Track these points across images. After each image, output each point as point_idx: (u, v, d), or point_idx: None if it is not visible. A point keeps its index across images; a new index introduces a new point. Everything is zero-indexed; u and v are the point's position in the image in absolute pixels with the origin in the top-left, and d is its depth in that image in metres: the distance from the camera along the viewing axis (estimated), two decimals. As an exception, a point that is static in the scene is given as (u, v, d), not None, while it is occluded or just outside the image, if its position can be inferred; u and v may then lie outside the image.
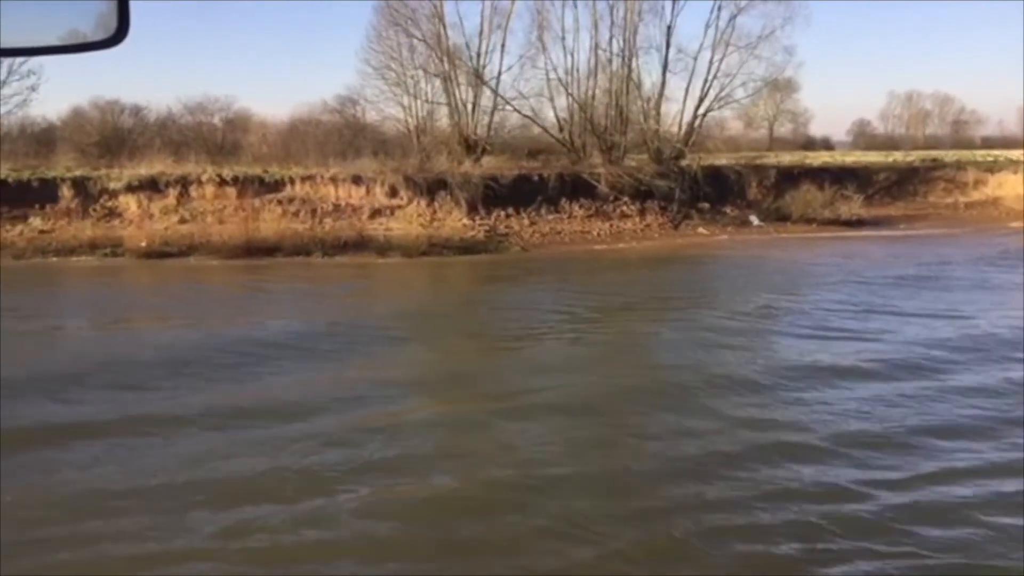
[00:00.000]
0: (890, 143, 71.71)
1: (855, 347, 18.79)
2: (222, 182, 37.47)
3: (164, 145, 41.66)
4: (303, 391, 15.83)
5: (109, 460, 12.36)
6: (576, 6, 45.55)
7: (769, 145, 65.99)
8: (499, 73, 44.58)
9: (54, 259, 33.14)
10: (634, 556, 9.77)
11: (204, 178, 37.41)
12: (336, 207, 38.20)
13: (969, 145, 67.38)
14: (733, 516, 10.59)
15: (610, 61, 45.65)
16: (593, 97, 45.78)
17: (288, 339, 20.12)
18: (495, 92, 44.22)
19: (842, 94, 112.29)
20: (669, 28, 45.23)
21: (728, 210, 44.60)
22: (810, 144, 71.84)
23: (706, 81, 45.10)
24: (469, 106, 44.32)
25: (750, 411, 14.62)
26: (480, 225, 38.66)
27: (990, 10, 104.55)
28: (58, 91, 77.28)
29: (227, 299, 26.78)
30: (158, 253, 33.59)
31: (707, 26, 45.23)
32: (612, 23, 45.13)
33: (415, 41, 43.57)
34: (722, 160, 46.75)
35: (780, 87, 48.32)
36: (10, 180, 35.71)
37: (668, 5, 45.26)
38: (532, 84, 45.44)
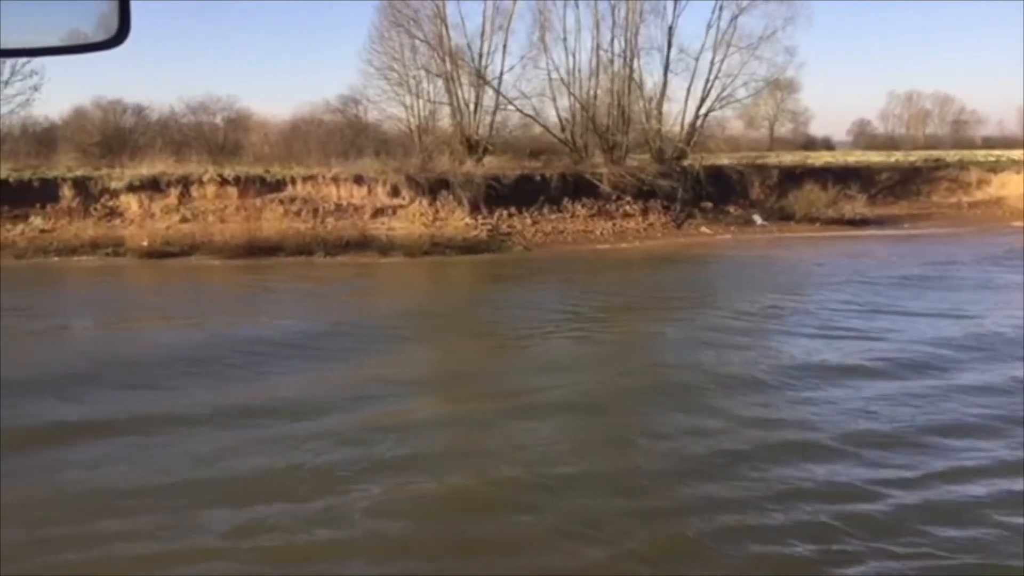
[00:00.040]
0: (891, 143, 71.64)
1: (862, 346, 18.76)
2: (223, 182, 37.39)
3: (166, 145, 41.56)
4: (312, 390, 15.81)
5: (120, 459, 12.34)
6: (578, 6, 45.65)
7: (770, 145, 65.91)
8: (501, 73, 44.63)
9: (55, 259, 33.08)
10: (648, 556, 9.73)
11: (206, 178, 37.33)
12: (338, 207, 38.12)
13: (970, 145, 67.30)
14: (745, 516, 10.55)
15: (612, 61, 45.65)
16: (595, 97, 45.71)
17: (295, 339, 20.07)
18: (497, 92, 44.22)
19: (842, 94, 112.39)
20: (671, 28, 45.28)
21: (731, 210, 44.53)
22: (810, 144, 71.73)
23: (708, 81, 45.14)
24: (471, 106, 44.26)
25: (758, 410, 14.60)
26: (482, 225, 38.60)
27: (990, 10, 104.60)
28: (60, 91, 77.11)
29: (231, 299, 26.75)
30: (160, 253, 33.52)
31: (709, 26, 45.24)
32: (614, 23, 45.10)
33: (417, 42, 43.52)
34: (724, 160, 46.70)
35: (781, 87, 48.17)
36: (11, 180, 35.63)
37: (670, 5, 45.25)
38: (534, 84, 45.51)
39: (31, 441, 12.88)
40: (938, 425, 13.70)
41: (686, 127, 45.44)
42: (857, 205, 44.92)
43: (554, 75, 45.01)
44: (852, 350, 18.43)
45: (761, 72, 45.89)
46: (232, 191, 37.25)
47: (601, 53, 45.38)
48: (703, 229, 42.52)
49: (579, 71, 45.41)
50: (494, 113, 44.67)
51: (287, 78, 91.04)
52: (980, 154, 55.35)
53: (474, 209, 38.94)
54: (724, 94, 45.61)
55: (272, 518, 10.42)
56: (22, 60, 36.49)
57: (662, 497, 11.20)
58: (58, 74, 53.99)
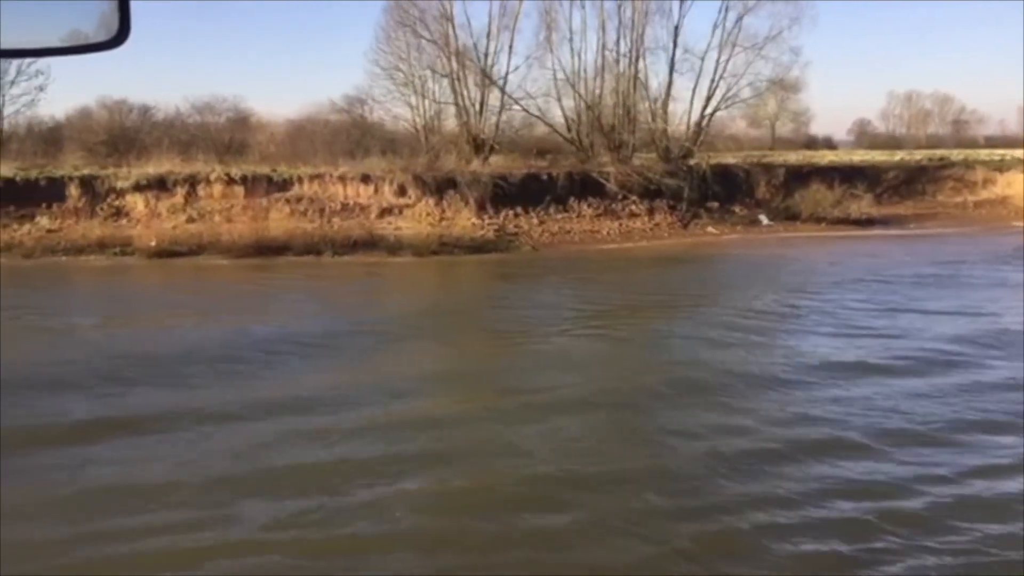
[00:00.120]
0: (893, 142, 71.60)
1: (885, 344, 18.78)
2: (230, 181, 37.35)
3: (172, 145, 41.43)
4: (336, 387, 15.78)
5: (152, 455, 12.32)
6: (584, 6, 45.59)
7: (771, 144, 65.84)
8: (506, 73, 44.62)
9: (63, 258, 32.98)
10: (693, 553, 9.67)
11: (212, 177, 37.27)
12: (344, 206, 38.08)
13: (972, 144, 67.28)
14: (784, 513, 10.52)
15: (617, 61, 45.64)
16: (600, 97, 45.66)
17: (313, 337, 20.08)
18: (503, 92, 44.13)
19: (842, 94, 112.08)
20: (676, 28, 45.27)
21: (737, 209, 44.51)
22: (812, 143, 71.65)
23: (713, 81, 45.13)
24: (477, 106, 44.19)
25: (787, 408, 14.59)
26: (489, 224, 38.56)
27: (989, 10, 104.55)
28: (63, 91, 77.19)
29: (244, 297, 26.67)
30: (167, 252, 33.42)
31: (715, 26, 45.24)
32: (620, 23, 45.18)
33: (423, 41, 43.50)
34: (730, 159, 46.63)
35: (786, 87, 48.05)
36: (18, 179, 35.57)
37: (675, 5, 45.27)
38: (539, 84, 45.49)
39: (61, 439, 12.86)
40: (968, 422, 13.69)
41: (692, 127, 45.43)
42: (863, 205, 44.91)
43: (560, 75, 45.10)
44: (875, 348, 18.42)
45: (766, 72, 45.95)
46: (239, 190, 37.20)
47: (607, 53, 45.50)
48: (709, 229, 42.49)
49: (585, 71, 45.53)
50: (500, 113, 44.69)
51: (287, 78, 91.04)
52: (983, 153, 55.36)
53: (481, 209, 38.92)
54: (729, 94, 45.68)
55: (311, 511, 10.41)
56: (27, 60, 36.50)
57: (699, 494, 11.16)
58: (63, 74, 53.82)
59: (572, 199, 41.61)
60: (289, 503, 10.64)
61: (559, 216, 40.95)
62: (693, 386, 15.93)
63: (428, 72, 44.08)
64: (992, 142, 68.72)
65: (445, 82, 44.25)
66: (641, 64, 45.45)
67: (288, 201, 37.43)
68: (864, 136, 79.53)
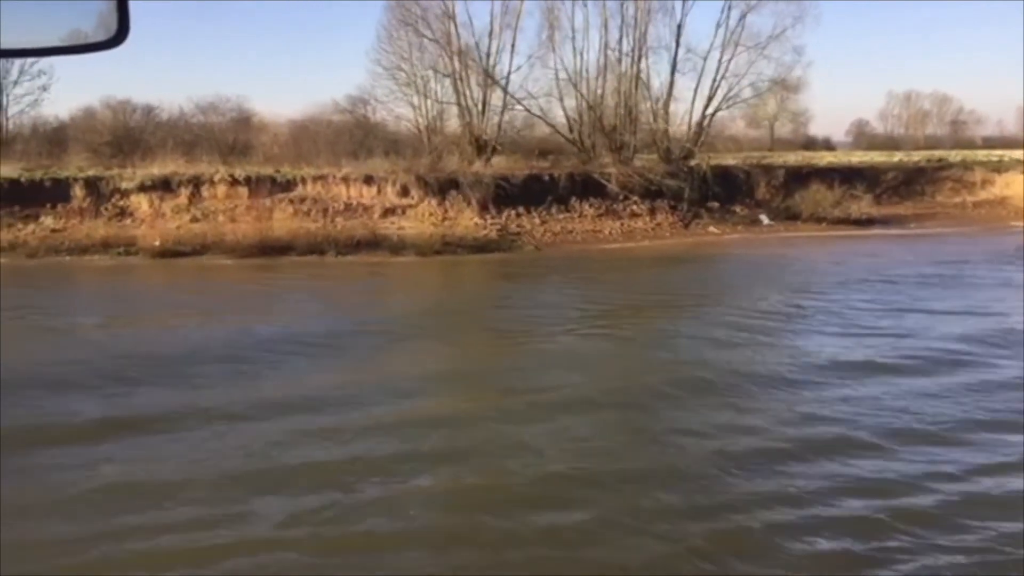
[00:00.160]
0: (891, 143, 71.74)
1: (892, 344, 18.84)
2: (234, 182, 37.45)
3: (176, 145, 41.50)
4: (343, 386, 15.83)
5: (164, 454, 12.37)
6: (586, 5, 45.82)
7: (770, 145, 65.94)
8: (508, 73, 44.71)
9: (67, 258, 33.03)
10: (705, 551, 9.68)
11: (216, 178, 37.37)
12: (348, 206, 38.18)
13: (970, 145, 67.41)
14: (795, 511, 10.55)
15: (620, 60, 45.71)
16: (602, 97, 45.71)
17: (318, 336, 20.13)
18: (505, 91, 44.18)
19: (840, 94, 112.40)
20: (679, 27, 45.31)
21: (738, 209, 44.61)
22: (811, 144, 71.80)
23: (715, 81, 45.20)
24: (479, 106, 44.23)
25: (796, 407, 14.64)
26: (492, 224, 38.66)
27: (989, 10, 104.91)
28: (67, 91, 77.21)
29: (249, 297, 26.71)
30: (172, 252, 33.47)
31: (718, 25, 45.33)
32: (622, 22, 45.25)
33: (425, 41, 43.57)
34: (730, 160, 46.72)
35: (789, 87, 48.09)
36: (23, 180, 35.64)
37: (678, 4, 45.54)
38: (541, 84, 45.58)
39: (70, 438, 12.92)
40: (976, 420, 13.74)
41: (693, 127, 45.48)
42: (863, 205, 45.04)
43: (562, 74, 45.16)
44: (883, 348, 18.48)
45: (769, 72, 46.03)
46: (243, 191, 37.30)
47: (609, 52, 45.53)
48: (711, 229, 42.59)
49: (587, 70, 45.58)
50: (502, 113, 44.73)
51: (288, 79, 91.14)
52: (981, 154, 55.54)
53: (483, 209, 39.02)
54: (731, 94, 45.76)
55: (326, 509, 10.47)
56: (30, 60, 36.60)
57: (710, 493, 11.18)
58: (66, 73, 53.89)
59: (574, 199, 41.72)
60: (303, 501, 10.69)
61: (561, 216, 41.06)
62: (700, 386, 15.94)
63: (430, 72, 44.24)
64: (990, 143, 68.89)
65: (447, 82, 44.36)
66: (643, 63, 45.62)
67: (292, 201, 37.53)
68: (862, 137, 79.70)
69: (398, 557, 9.53)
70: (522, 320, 22.59)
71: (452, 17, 43.29)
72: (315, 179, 38.35)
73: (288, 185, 38.11)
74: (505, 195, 39.54)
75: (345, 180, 38.60)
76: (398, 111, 45.71)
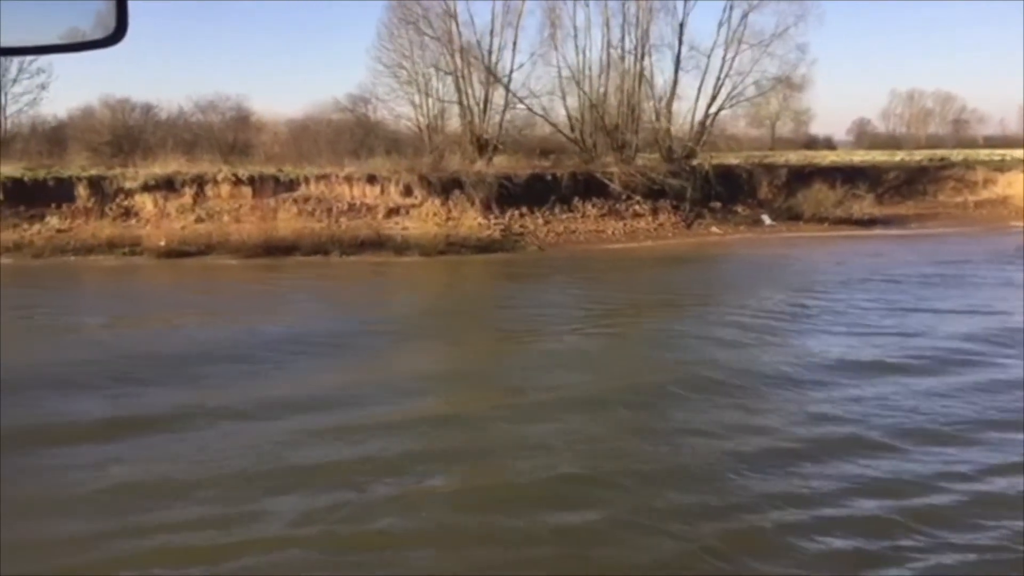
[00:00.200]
0: (893, 142, 71.72)
1: (899, 343, 18.88)
2: (238, 181, 37.44)
3: (176, 144, 41.48)
4: (353, 385, 15.88)
5: (177, 453, 12.40)
6: (588, 3, 45.63)
7: (771, 144, 65.92)
8: (510, 71, 44.65)
9: (73, 258, 33.02)
10: (718, 551, 9.68)
11: (220, 177, 37.35)
12: (351, 206, 38.19)
13: (972, 144, 67.43)
14: (808, 511, 10.56)
15: (622, 59, 45.61)
16: (605, 95, 45.67)
17: (326, 336, 20.17)
18: (508, 89, 44.16)
19: (842, 93, 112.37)
20: (681, 25, 45.25)
21: (740, 209, 44.64)
22: (812, 143, 71.74)
23: (718, 79, 45.11)
24: (481, 104, 44.20)
25: (805, 407, 14.65)
26: (495, 224, 38.68)
27: (991, 9, 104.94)
28: (65, 89, 77.12)
29: (255, 297, 26.75)
30: (177, 252, 33.46)
31: (720, 24, 45.31)
32: (624, 20, 45.17)
33: (427, 39, 43.55)
34: (732, 159, 46.70)
35: (793, 85, 47.96)
36: (26, 179, 35.64)
37: (680, 3, 45.32)
38: (543, 82, 45.52)
39: (80, 437, 12.96)
40: (987, 420, 13.77)
41: (695, 126, 45.45)
42: (865, 205, 45.07)
43: (564, 73, 45.14)
44: (889, 347, 18.52)
45: (772, 70, 45.93)
46: (246, 191, 37.30)
47: (611, 50, 45.51)
48: (713, 229, 42.61)
49: (589, 69, 45.54)
50: (503, 112, 44.64)
51: (287, 79, 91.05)
52: (983, 153, 55.55)
53: (486, 209, 39.03)
54: (735, 92, 45.69)
55: (339, 508, 10.50)
56: (29, 59, 36.59)
57: (722, 492, 11.19)
58: (64, 72, 53.81)
59: (576, 199, 41.72)
60: (315, 499, 10.72)
61: (564, 216, 41.07)
62: (709, 385, 15.93)
63: (432, 70, 44.19)
64: (991, 142, 68.88)
65: (449, 80, 44.29)
66: (646, 62, 45.54)
67: (296, 201, 37.53)
68: (864, 136, 79.66)
69: (412, 556, 9.56)
70: (528, 320, 22.64)
71: (453, 15, 43.36)
72: (318, 179, 38.34)
73: (291, 185, 38.10)
74: (508, 195, 39.54)
75: (348, 180, 38.60)
76: (399, 110, 45.81)
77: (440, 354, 19.33)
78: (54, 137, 43.50)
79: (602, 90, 45.59)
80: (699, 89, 45.31)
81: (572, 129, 45.55)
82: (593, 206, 41.99)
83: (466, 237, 36.20)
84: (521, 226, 39.57)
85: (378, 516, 10.34)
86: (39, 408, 14.30)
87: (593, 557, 9.57)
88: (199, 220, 36.07)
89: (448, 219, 38.11)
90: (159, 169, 37.34)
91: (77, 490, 10.99)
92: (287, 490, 11.00)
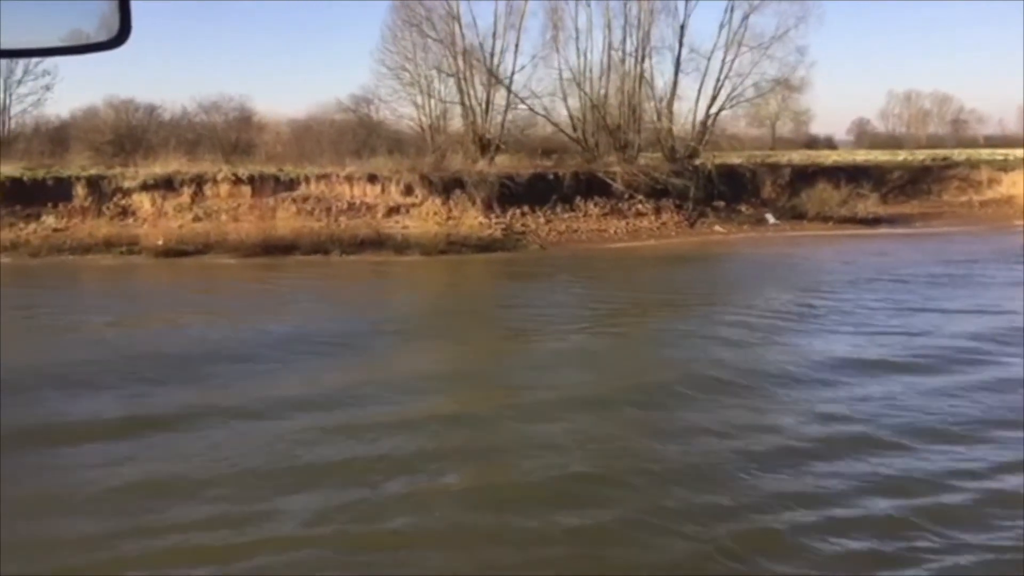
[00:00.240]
0: (894, 142, 71.67)
1: (908, 343, 18.77)
2: (237, 181, 37.31)
3: (178, 144, 41.34)
4: (357, 384, 15.77)
5: (188, 451, 12.30)
6: (590, 5, 45.57)
7: (771, 144, 65.80)
8: (512, 72, 44.57)
9: (69, 257, 32.85)
10: (732, 551, 9.57)
11: (219, 177, 37.22)
12: (351, 205, 38.07)
13: (972, 144, 67.35)
14: (821, 510, 10.47)
15: (623, 60, 45.58)
16: (606, 96, 45.60)
17: (329, 335, 20.07)
18: (510, 91, 44.09)
19: (841, 94, 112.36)
20: (682, 27, 45.22)
21: (743, 208, 44.48)
22: (813, 143, 71.68)
23: (718, 80, 45.05)
24: (483, 105, 44.08)
25: (815, 406, 14.54)
26: (496, 224, 38.53)
27: (990, 10, 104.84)
28: (69, 91, 77.15)
29: (255, 296, 26.58)
30: (175, 251, 33.29)
31: (721, 26, 45.24)
32: (626, 22, 45.15)
33: (430, 40, 43.45)
34: (735, 159, 46.59)
35: (792, 87, 47.83)
36: (25, 179, 35.53)
37: (681, 5, 45.22)
38: (545, 83, 45.45)
39: (92, 437, 12.87)
40: (997, 419, 13.65)
41: (697, 126, 45.35)
42: (869, 204, 44.87)
43: (566, 74, 45.10)
44: (899, 347, 18.39)
45: (772, 72, 45.82)
46: (246, 190, 37.18)
47: (613, 52, 45.45)
48: (716, 228, 42.44)
49: (590, 70, 45.49)
50: (505, 112, 44.55)
51: (287, 79, 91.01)
52: (985, 153, 55.44)
53: (487, 208, 38.90)
54: (735, 93, 45.61)
55: (352, 507, 10.41)
56: (34, 60, 36.56)
57: (734, 492, 11.08)
58: (69, 73, 53.74)
59: (578, 199, 41.60)
60: (328, 498, 10.63)
61: (566, 215, 40.93)
62: (716, 385, 15.81)
63: (434, 72, 44.13)
64: (991, 141, 68.82)
65: (451, 81, 44.22)
66: (647, 63, 45.48)
67: (295, 200, 37.39)
68: (864, 136, 79.61)
69: (426, 555, 9.49)
70: (532, 318, 22.49)
71: (456, 17, 43.29)
72: (318, 178, 38.22)
73: (291, 184, 37.97)
74: (510, 194, 39.41)
75: (349, 179, 38.48)
76: (402, 110, 45.75)
77: (445, 353, 19.19)
78: (56, 137, 43.52)
79: (603, 92, 45.53)
80: (699, 91, 45.39)
81: (574, 129, 45.47)
82: (595, 205, 41.85)
83: (467, 236, 36.04)
84: (523, 225, 39.42)
85: (391, 515, 10.24)
86: (48, 407, 14.23)
87: (606, 557, 9.49)
88: (197, 219, 35.92)
89: (449, 218, 37.97)
90: (159, 169, 37.23)
91: (90, 489, 10.91)
92: (300, 489, 10.92)
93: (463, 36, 43.51)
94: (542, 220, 40.14)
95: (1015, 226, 42.87)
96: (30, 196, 35.03)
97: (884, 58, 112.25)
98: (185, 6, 75.15)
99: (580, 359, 18.54)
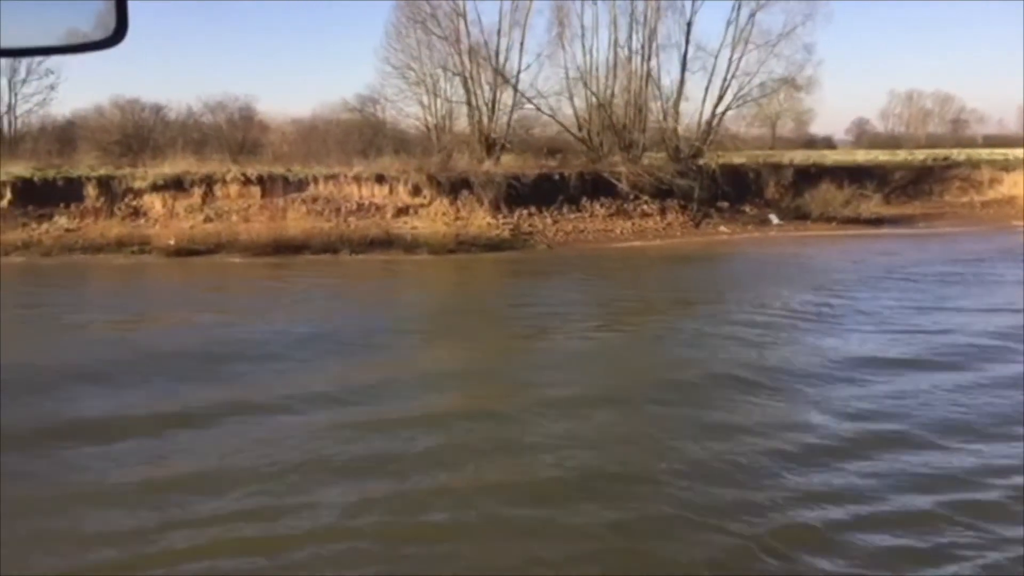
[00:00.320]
0: (893, 142, 71.69)
1: (928, 341, 18.83)
2: (247, 181, 37.39)
3: (185, 144, 41.36)
4: (381, 381, 15.85)
5: (219, 447, 12.37)
6: (596, 3, 45.39)
7: (772, 144, 65.80)
8: (518, 71, 44.46)
9: (81, 256, 32.84)
10: (771, 547, 9.56)
11: (229, 177, 37.29)
12: (360, 206, 38.15)
13: (971, 144, 67.43)
14: (856, 506, 10.51)
15: (629, 59, 45.45)
16: (612, 95, 45.57)
17: (345, 333, 20.21)
18: (516, 89, 44.02)
19: (840, 93, 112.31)
20: (688, 25, 45.04)
21: (747, 209, 44.53)
22: (812, 143, 71.72)
23: (725, 79, 44.91)
24: (489, 105, 44.04)
25: (841, 404, 14.55)
26: (504, 224, 38.60)
27: (989, 10, 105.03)
28: (73, 90, 76.99)
29: (269, 295, 26.48)
30: (186, 251, 33.33)
31: (728, 23, 45.08)
32: (632, 20, 45.01)
33: (435, 39, 43.36)
34: (739, 159, 46.57)
35: (800, 86, 47.60)
36: (35, 179, 35.56)
37: (687, 3, 45.14)
38: (551, 82, 45.35)
39: (125, 433, 12.91)
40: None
41: (702, 125, 45.33)
42: (872, 204, 44.95)
43: (572, 72, 44.96)
44: (919, 345, 18.46)
45: (779, 70, 45.55)
46: (255, 190, 37.27)
47: (619, 50, 45.33)
48: (721, 228, 42.54)
49: (596, 69, 45.35)
50: (511, 111, 44.52)
51: (290, 79, 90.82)
52: (985, 152, 55.54)
53: (495, 208, 38.97)
54: (741, 92, 45.45)
55: (388, 500, 10.49)
56: (38, 59, 36.54)
57: (764, 488, 11.09)
58: (72, 73, 53.73)
59: (584, 199, 41.67)
60: (363, 491, 10.71)
61: (572, 216, 41.01)
62: (741, 383, 15.85)
63: (440, 71, 44.05)
64: (991, 141, 68.89)
65: (457, 80, 44.16)
66: (654, 62, 45.39)
67: (304, 201, 37.50)
68: (863, 135, 79.69)
69: (464, 549, 9.51)
70: (545, 317, 22.54)
71: (462, 14, 43.11)
72: (327, 178, 38.29)
73: (300, 184, 38.06)
74: (516, 194, 39.50)
75: (357, 179, 38.56)
76: (407, 110, 45.69)
77: (464, 350, 19.22)
78: (63, 137, 43.48)
79: (609, 91, 45.44)
80: (706, 89, 45.28)
81: (580, 128, 45.43)
82: (601, 206, 41.93)
83: (475, 236, 36.12)
84: (530, 225, 39.51)
85: (430, 509, 10.31)
86: (76, 405, 14.32)
87: (648, 552, 9.54)
88: (208, 220, 35.98)
89: (457, 218, 38.05)
90: (168, 169, 37.28)
91: (125, 484, 10.97)
92: (337, 482, 10.99)
93: (468, 33, 43.48)
94: (549, 220, 40.22)
95: (1016, 227, 43.02)
96: (42, 196, 35.11)
97: (883, 58, 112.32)
98: (185, 6, 75.13)
99: (598, 357, 18.63)
